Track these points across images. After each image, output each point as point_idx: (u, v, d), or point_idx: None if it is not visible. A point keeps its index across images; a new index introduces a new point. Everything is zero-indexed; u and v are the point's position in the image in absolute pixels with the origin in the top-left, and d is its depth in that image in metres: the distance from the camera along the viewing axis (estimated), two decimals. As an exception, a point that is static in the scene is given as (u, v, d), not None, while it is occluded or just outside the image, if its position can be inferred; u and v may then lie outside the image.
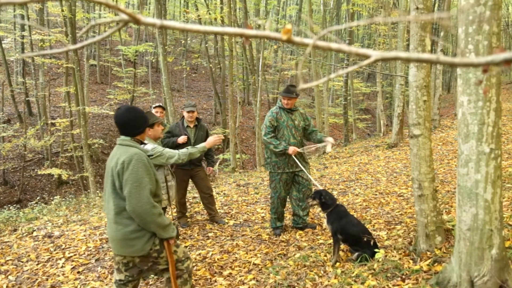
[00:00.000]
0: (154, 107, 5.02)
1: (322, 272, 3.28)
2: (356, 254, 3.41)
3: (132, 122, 2.58)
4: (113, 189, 2.44)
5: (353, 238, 3.43)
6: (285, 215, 4.73)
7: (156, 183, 2.50)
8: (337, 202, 3.68)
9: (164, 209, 3.66)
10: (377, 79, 15.27)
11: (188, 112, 4.87)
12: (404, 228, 4.01)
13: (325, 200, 3.60)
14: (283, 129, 4.34)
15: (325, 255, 3.65)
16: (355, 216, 4.74)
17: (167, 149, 3.47)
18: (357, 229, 3.46)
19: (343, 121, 15.68)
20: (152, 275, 2.81)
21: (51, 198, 9.66)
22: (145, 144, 3.45)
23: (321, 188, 4.02)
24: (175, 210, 5.08)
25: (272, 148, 4.27)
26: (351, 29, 15.94)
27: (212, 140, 3.62)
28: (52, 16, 19.78)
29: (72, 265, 4.02)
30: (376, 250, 3.31)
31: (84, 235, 4.85)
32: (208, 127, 8.70)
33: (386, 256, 3.27)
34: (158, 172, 3.57)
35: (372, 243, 3.39)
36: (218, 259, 3.94)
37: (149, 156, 3.21)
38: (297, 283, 3.15)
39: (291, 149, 4.25)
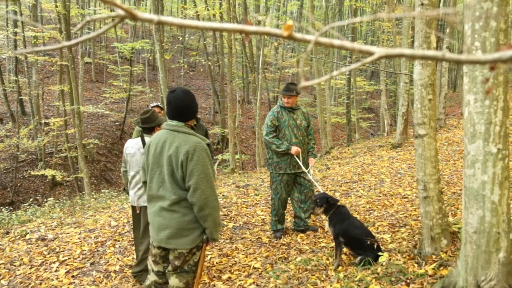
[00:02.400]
0: (152, 107, 5.03)
1: (324, 276, 3.28)
2: (359, 258, 3.41)
3: (190, 107, 2.47)
4: (172, 179, 2.37)
5: (356, 241, 3.44)
6: (286, 217, 4.73)
7: None
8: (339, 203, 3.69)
9: None
10: (380, 77, 15.28)
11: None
12: (409, 230, 4.01)
13: (331, 203, 3.60)
14: (284, 128, 4.34)
15: (327, 259, 3.65)
16: (358, 218, 4.75)
17: None
18: (359, 231, 3.46)
19: (345, 121, 15.67)
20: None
21: (45, 200, 9.66)
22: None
23: (322, 191, 4.02)
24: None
25: (274, 148, 4.27)
26: (354, 26, 15.94)
27: None
28: (45, 12, 19.78)
29: (66, 269, 4.02)
30: (379, 253, 3.31)
31: (79, 238, 4.85)
32: (207, 127, 8.71)
33: (390, 259, 3.27)
34: None
35: (375, 246, 3.39)
36: (217, 263, 3.94)
37: None
38: (299, 288, 3.15)
39: (294, 149, 4.25)
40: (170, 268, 2.51)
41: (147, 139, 3.54)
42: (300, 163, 4.32)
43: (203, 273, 3.70)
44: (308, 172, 4.40)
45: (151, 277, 2.62)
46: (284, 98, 4.34)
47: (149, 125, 3.60)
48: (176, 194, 2.38)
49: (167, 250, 2.53)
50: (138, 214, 3.67)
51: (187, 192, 2.37)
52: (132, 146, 3.62)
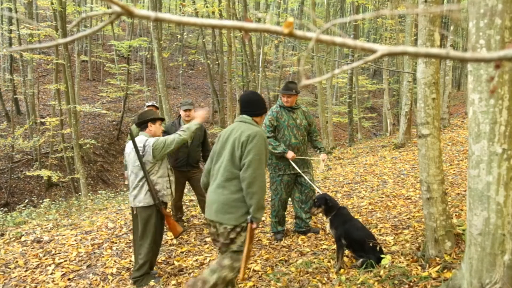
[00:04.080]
0: (147, 106, 5.03)
1: (325, 279, 3.28)
2: (361, 260, 3.40)
3: (254, 103, 2.97)
4: (231, 157, 2.75)
5: (358, 243, 3.44)
6: (286, 219, 4.73)
7: None
8: (340, 205, 3.69)
9: (166, 204, 3.70)
10: (383, 76, 15.28)
11: (185, 110, 4.87)
12: (412, 232, 4.01)
13: (329, 204, 3.60)
14: (283, 129, 4.33)
15: (329, 261, 3.65)
16: (360, 220, 4.74)
17: (164, 137, 3.56)
18: (361, 233, 3.46)
19: (347, 120, 15.68)
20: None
21: (40, 201, 9.66)
22: (147, 139, 3.56)
23: (321, 192, 4.03)
24: (171, 213, 5.08)
25: (270, 149, 4.28)
26: (356, 23, 15.94)
27: (202, 113, 3.74)
28: (41, 9, 19.79)
29: (62, 271, 4.02)
30: (382, 256, 3.31)
31: (75, 240, 4.85)
32: (206, 127, 8.70)
33: (393, 262, 3.27)
34: (162, 165, 3.65)
35: (377, 248, 3.39)
36: (216, 265, 3.94)
37: (154, 149, 3.43)
38: (299, 291, 3.14)
39: (290, 154, 4.24)
40: (221, 246, 2.84)
41: (140, 138, 3.59)
42: (296, 167, 4.31)
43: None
44: (319, 167, 4.45)
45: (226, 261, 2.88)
46: (284, 97, 4.32)
47: (141, 121, 3.67)
48: (229, 171, 2.74)
49: (215, 227, 2.84)
50: (136, 215, 3.67)
51: (239, 172, 2.72)
52: (129, 146, 3.68)
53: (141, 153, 3.50)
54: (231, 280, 2.88)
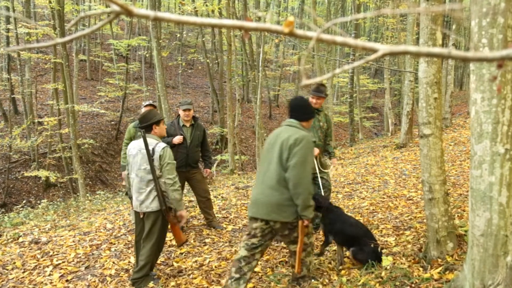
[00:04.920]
0: (145, 106, 5.02)
1: (326, 280, 3.28)
2: (351, 249, 3.45)
3: (303, 108, 3.17)
4: (279, 160, 2.94)
5: (352, 239, 3.46)
6: None
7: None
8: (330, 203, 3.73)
9: (171, 210, 3.68)
10: (384, 75, 15.28)
11: (184, 110, 4.87)
12: (414, 233, 4.01)
13: (319, 201, 3.61)
14: (309, 129, 4.39)
15: (330, 263, 3.65)
16: (361, 220, 4.75)
17: (174, 170, 3.53)
18: (354, 229, 3.48)
19: (348, 120, 15.68)
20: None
21: (38, 201, 9.66)
22: (159, 142, 3.54)
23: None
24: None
25: None
26: (357, 22, 15.94)
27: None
28: (39, 8, 19.80)
29: (60, 273, 4.02)
30: (383, 257, 3.31)
31: (73, 241, 4.85)
32: (205, 126, 8.70)
33: (394, 263, 3.27)
34: None
35: (379, 249, 3.40)
36: (215, 267, 3.94)
37: (159, 154, 3.45)
38: (300, 292, 3.14)
39: (316, 151, 4.28)
40: (282, 238, 3.11)
41: (150, 140, 3.52)
42: (317, 167, 4.35)
43: (200, 277, 3.70)
44: (329, 172, 4.53)
45: (241, 252, 3.11)
46: (313, 98, 4.37)
47: (145, 124, 3.59)
48: (278, 174, 2.93)
49: (269, 224, 3.03)
50: (142, 219, 3.64)
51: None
52: (134, 147, 3.60)
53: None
54: (310, 262, 3.20)
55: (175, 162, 3.55)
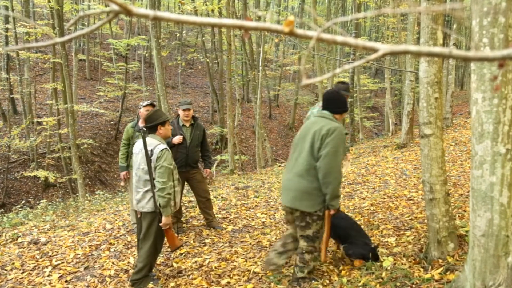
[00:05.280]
0: (144, 106, 5.02)
1: (327, 281, 3.28)
2: (343, 246, 3.48)
3: (337, 101, 3.23)
4: (311, 149, 3.03)
5: (342, 231, 3.52)
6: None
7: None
8: None
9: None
10: (385, 75, 15.28)
11: (184, 110, 4.87)
12: (414, 234, 4.01)
13: None
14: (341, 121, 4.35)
15: (330, 263, 3.65)
16: (361, 221, 4.75)
17: (168, 175, 3.45)
18: (345, 222, 3.53)
19: (348, 120, 15.67)
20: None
21: (37, 202, 9.66)
22: (160, 143, 3.52)
23: None
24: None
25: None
26: (358, 21, 15.93)
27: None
28: (38, 7, 19.79)
29: (59, 273, 4.02)
30: (384, 258, 3.31)
31: (73, 242, 4.85)
32: (205, 126, 8.70)
33: (395, 264, 3.27)
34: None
35: (372, 245, 3.44)
36: (215, 267, 3.94)
37: (156, 156, 3.41)
38: (300, 293, 3.14)
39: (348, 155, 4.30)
40: (298, 230, 3.15)
41: (152, 140, 3.52)
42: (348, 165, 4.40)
43: (200, 278, 3.71)
44: (344, 167, 4.58)
45: (291, 230, 3.26)
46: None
47: (150, 124, 3.58)
48: (308, 163, 3.02)
49: (291, 213, 3.15)
50: (139, 219, 3.66)
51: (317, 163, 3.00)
52: (137, 146, 3.63)
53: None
54: (313, 266, 3.25)
55: (171, 167, 3.48)
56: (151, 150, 3.47)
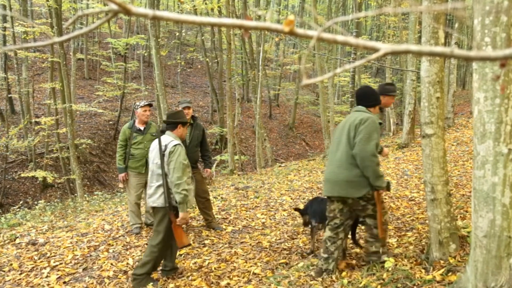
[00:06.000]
0: (142, 106, 5.03)
1: (328, 282, 3.28)
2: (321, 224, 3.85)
3: (368, 95, 3.45)
4: (348, 139, 3.25)
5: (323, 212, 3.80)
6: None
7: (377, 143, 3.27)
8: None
9: (175, 208, 3.71)
10: (386, 74, 15.28)
11: (184, 108, 4.88)
12: (416, 235, 4.01)
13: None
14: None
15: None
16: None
17: (182, 170, 3.55)
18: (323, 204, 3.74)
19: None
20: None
21: (35, 202, 9.66)
22: (174, 139, 3.65)
23: None
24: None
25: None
26: (359, 20, 15.94)
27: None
28: (36, 6, 19.79)
29: (57, 274, 4.02)
30: (385, 258, 3.31)
31: (71, 243, 4.85)
32: (205, 126, 8.69)
33: (396, 265, 3.27)
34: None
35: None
36: (215, 268, 3.94)
37: (169, 150, 3.55)
38: (300, 294, 3.14)
39: (386, 150, 4.28)
40: (359, 213, 3.39)
41: (167, 137, 3.66)
42: None
43: (200, 279, 3.71)
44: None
45: (326, 233, 3.40)
46: (392, 99, 3.99)
47: (173, 120, 3.74)
48: (346, 153, 3.23)
49: (346, 203, 3.33)
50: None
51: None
52: (154, 142, 3.78)
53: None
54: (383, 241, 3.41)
55: (185, 162, 3.59)
56: (165, 145, 3.59)
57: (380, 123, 3.42)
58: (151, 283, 3.63)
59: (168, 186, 3.55)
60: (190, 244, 4.10)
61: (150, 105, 5.12)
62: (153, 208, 3.66)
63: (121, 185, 5.28)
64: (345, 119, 3.43)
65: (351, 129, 3.24)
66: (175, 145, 3.55)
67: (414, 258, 3.36)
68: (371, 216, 3.34)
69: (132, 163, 5.01)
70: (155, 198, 3.60)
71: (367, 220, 3.39)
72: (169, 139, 3.64)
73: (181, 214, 3.54)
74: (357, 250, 3.88)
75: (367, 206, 3.31)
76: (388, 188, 3.34)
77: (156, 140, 3.72)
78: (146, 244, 4.74)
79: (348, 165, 3.22)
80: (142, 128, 5.06)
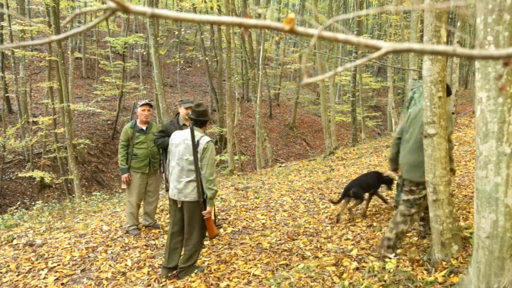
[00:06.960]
0: (141, 105, 5.02)
1: (329, 283, 3.28)
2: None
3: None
4: (421, 129, 3.42)
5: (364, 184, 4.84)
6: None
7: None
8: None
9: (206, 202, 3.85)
10: (388, 74, 15.28)
11: (187, 108, 4.87)
12: (418, 236, 4.01)
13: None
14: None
15: (331, 266, 3.65)
16: (364, 221, 4.75)
17: (214, 168, 3.72)
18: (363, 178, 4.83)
19: (350, 119, 15.68)
20: None
21: (33, 203, 9.66)
22: (204, 135, 3.75)
23: None
24: (168, 216, 5.08)
25: None
26: (360, 19, 15.94)
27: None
28: (33, 4, 19.81)
29: (55, 276, 4.02)
30: (386, 259, 3.31)
31: (69, 244, 4.85)
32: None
33: (398, 266, 3.27)
34: None
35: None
36: (214, 270, 3.94)
37: (202, 147, 3.65)
38: (301, 296, 3.14)
39: None
40: (403, 195, 3.63)
41: (196, 132, 3.72)
42: None
43: (199, 281, 3.71)
44: None
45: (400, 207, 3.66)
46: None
47: (203, 118, 3.83)
48: (416, 139, 3.51)
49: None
50: (180, 209, 3.80)
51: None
52: (178, 137, 3.80)
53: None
54: (402, 230, 3.59)
55: (216, 158, 3.69)
56: (197, 141, 3.66)
57: (453, 113, 3.81)
58: (196, 269, 3.84)
59: (201, 181, 3.67)
60: (219, 234, 4.16)
61: (150, 105, 5.12)
62: (184, 202, 3.74)
63: (124, 186, 5.15)
64: (417, 109, 3.64)
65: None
66: (208, 142, 3.67)
67: (416, 259, 3.36)
68: (408, 203, 3.57)
69: (135, 163, 5.00)
70: (186, 193, 3.69)
71: (401, 206, 3.62)
72: (199, 134, 3.73)
73: (208, 208, 3.71)
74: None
75: (414, 192, 3.59)
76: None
77: (179, 134, 3.79)
78: (145, 245, 4.74)
79: (418, 151, 3.51)
80: (144, 128, 5.07)
